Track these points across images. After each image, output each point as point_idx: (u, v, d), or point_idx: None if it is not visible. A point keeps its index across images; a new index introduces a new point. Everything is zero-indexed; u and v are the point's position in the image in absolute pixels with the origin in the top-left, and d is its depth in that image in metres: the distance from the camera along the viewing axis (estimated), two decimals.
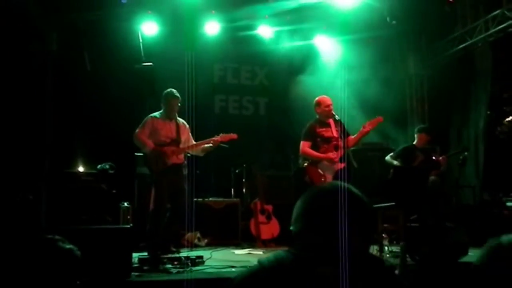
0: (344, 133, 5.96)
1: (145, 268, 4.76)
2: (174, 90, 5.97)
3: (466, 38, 8.06)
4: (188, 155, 6.21)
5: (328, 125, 6.00)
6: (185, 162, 6.10)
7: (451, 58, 8.58)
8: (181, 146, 5.88)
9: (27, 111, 7.35)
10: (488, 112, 7.92)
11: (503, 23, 7.24)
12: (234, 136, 6.03)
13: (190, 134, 6.05)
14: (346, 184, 1.62)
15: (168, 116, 5.91)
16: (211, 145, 5.93)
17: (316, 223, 1.52)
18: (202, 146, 5.97)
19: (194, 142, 6.04)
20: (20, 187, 6.50)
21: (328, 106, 5.98)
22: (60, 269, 1.48)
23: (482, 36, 7.69)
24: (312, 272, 1.42)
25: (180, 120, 6.02)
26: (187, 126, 6.05)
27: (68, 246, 1.53)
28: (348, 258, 1.44)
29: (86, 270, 1.57)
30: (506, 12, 7.16)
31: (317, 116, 6.10)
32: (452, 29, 8.40)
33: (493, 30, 7.44)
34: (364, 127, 5.88)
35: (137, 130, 5.78)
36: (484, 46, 7.84)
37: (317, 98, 6.14)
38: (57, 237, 1.54)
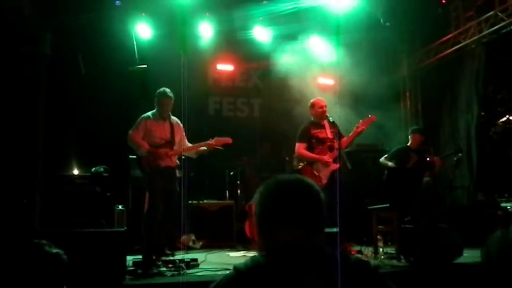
0: (339, 134, 5.98)
1: (139, 271, 4.73)
2: (167, 90, 5.91)
3: (459, 39, 8.10)
4: (182, 157, 6.20)
5: (323, 127, 6.03)
6: (178, 163, 6.08)
7: (444, 60, 8.61)
8: (176, 147, 5.84)
9: (21, 114, 7.32)
10: (482, 113, 7.95)
11: (496, 25, 7.28)
12: (228, 140, 6.01)
13: (184, 134, 6.02)
14: (294, 176, 1.65)
15: (162, 116, 5.85)
16: (205, 148, 5.90)
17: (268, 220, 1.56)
18: (197, 149, 5.95)
19: (188, 143, 6.02)
20: (14, 190, 6.47)
21: (322, 107, 6.03)
22: (47, 273, 1.47)
23: (475, 37, 7.73)
24: (289, 277, 1.42)
25: (174, 119, 5.96)
26: (181, 125, 6.01)
27: (55, 250, 1.52)
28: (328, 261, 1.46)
29: (74, 274, 1.57)
30: (499, 13, 7.20)
31: (312, 118, 6.13)
32: (445, 31, 8.43)
33: (487, 32, 7.48)
34: (357, 127, 5.93)
35: (130, 132, 5.72)
36: (477, 47, 7.87)
37: (311, 100, 6.17)
38: (43, 241, 1.53)
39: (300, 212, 1.53)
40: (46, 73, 7.69)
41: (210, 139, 5.92)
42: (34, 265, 1.46)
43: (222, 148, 6.74)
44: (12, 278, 1.43)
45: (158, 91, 5.95)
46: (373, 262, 5.21)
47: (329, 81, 9.03)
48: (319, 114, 6.03)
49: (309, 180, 1.63)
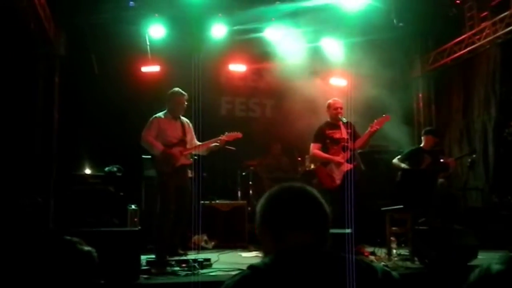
0: (353, 135, 5.97)
1: (153, 270, 4.75)
2: (179, 89, 5.97)
3: (474, 40, 8.03)
4: (195, 157, 6.22)
5: (338, 127, 6.04)
6: (191, 163, 6.11)
7: (458, 60, 8.54)
8: (188, 146, 5.88)
9: (35, 114, 7.39)
10: (499, 115, 7.87)
11: (511, 25, 7.21)
12: (239, 135, 6.04)
13: (193, 134, 6.06)
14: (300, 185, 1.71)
15: (173, 115, 5.89)
16: (217, 144, 5.93)
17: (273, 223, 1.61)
18: (208, 146, 5.98)
19: (197, 142, 6.04)
20: (29, 189, 6.53)
21: (336, 108, 6.05)
22: (79, 271, 1.48)
23: (490, 38, 7.65)
24: (299, 279, 1.44)
25: (184, 119, 6.01)
26: (191, 125, 6.06)
27: (86, 248, 1.53)
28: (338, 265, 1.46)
29: (102, 272, 1.58)
30: None
31: (328, 118, 6.16)
32: (459, 31, 8.36)
33: (501, 32, 7.40)
34: (371, 127, 5.91)
35: (144, 132, 5.77)
36: (492, 48, 7.80)
37: (329, 101, 6.19)
38: (75, 239, 1.54)
39: (306, 215, 1.59)
40: (60, 73, 7.77)
41: (221, 135, 5.95)
42: (67, 262, 1.47)
43: (234, 149, 6.76)
44: (45, 275, 1.43)
45: (170, 90, 5.99)
46: (386, 263, 5.19)
47: (342, 82, 9.00)
48: (334, 115, 6.05)
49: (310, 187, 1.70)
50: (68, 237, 1.53)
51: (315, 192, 1.68)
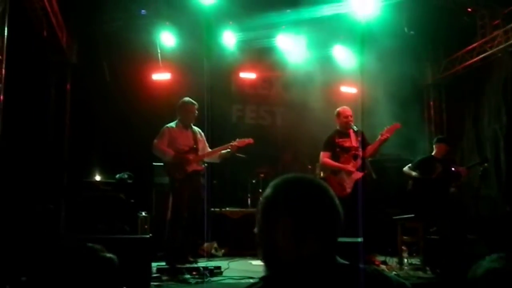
0: (364, 143, 5.96)
1: (164, 278, 4.76)
2: (190, 98, 6.02)
3: (485, 48, 8.00)
4: (205, 164, 6.24)
5: (348, 135, 6.02)
6: (204, 170, 6.13)
7: (470, 68, 8.50)
8: (200, 153, 5.91)
9: (47, 121, 7.45)
10: (509, 123, 7.81)
11: None
12: (250, 140, 6.05)
13: (206, 143, 6.09)
14: (308, 176, 1.49)
15: (185, 124, 5.95)
16: (228, 150, 5.95)
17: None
18: (219, 152, 6.00)
19: (209, 150, 6.07)
20: (40, 196, 6.57)
21: (347, 117, 6.03)
22: (101, 277, 1.48)
23: (502, 46, 7.62)
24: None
25: (196, 129, 6.05)
26: (203, 135, 6.10)
27: (108, 255, 1.54)
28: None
29: (123, 278, 1.58)
30: None
31: (337, 127, 6.14)
32: (471, 39, 8.33)
33: None
34: (381, 135, 5.90)
35: (155, 141, 5.82)
36: (504, 56, 7.76)
37: (338, 109, 6.17)
38: (97, 246, 1.54)
39: (316, 223, 1.38)
40: (72, 81, 7.83)
41: (232, 141, 5.96)
42: (89, 269, 1.48)
43: (244, 156, 6.76)
44: (68, 283, 1.44)
45: (181, 100, 6.04)
46: (398, 273, 5.15)
47: (352, 90, 8.99)
48: (344, 123, 6.03)
49: (322, 182, 1.49)
50: (90, 244, 1.53)
51: (329, 191, 1.45)
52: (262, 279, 1.42)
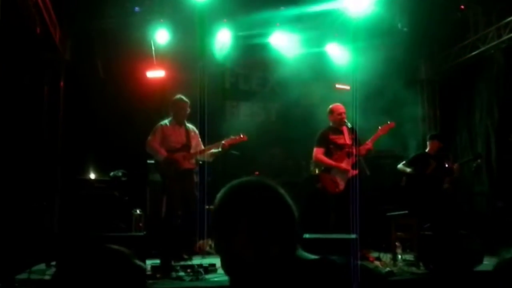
0: (357, 140, 5.97)
1: (158, 275, 4.76)
2: (182, 96, 6.04)
3: (478, 45, 8.03)
4: (200, 162, 6.24)
5: (341, 132, 6.04)
6: (197, 168, 6.14)
7: (463, 65, 8.54)
8: (192, 151, 5.93)
9: (40, 118, 7.42)
10: (503, 119, 7.85)
11: None
12: (244, 138, 6.07)
13: (199, 140, 6.10)
14: (256, 179, 1.50)
15: (177, 121, 5.98)
16: (219, 149, 5.96)
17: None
18: (211, 150, 6.00)
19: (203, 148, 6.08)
20: (34, 193, 6.55)
21: (340, 114, 6.04)
22: (131, 285, 1.41)
23: (494, 43, 7.65)
24: None
25: (190, 126, 6.08)
26: (197, 132, 6.13)
27: (139, 263, 1.46)
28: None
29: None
30: None
31: (330, 123, 6.14)
32: (464, 35, 8.36)
33: (506, 37, 7.40)
34: (376, 133, 5.93)
35: (149, 138, 5.89)
36: (496, 52, 7.79)
37: (330, 106, 6.18)
38: (127, 251, 1.46)
39: (271, 224, 1.36)
40: (65, 78, 7.80)
41: (226, 139, 5.98)
42: (122, 277, 1.40)
43: (238, 153, 6.77)
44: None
45: (173, 98, 6.08)
46: (392, 269, 5.17)
47: (346, 86, 9.00)
48: (337, 120, 6.04)
49: (270, 181, 1.47)
50: (121, 249, 1.46)
51: (273, 186, 1.44)
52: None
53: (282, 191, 1.44)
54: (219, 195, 1.46)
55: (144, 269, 1.49)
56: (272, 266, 1.34)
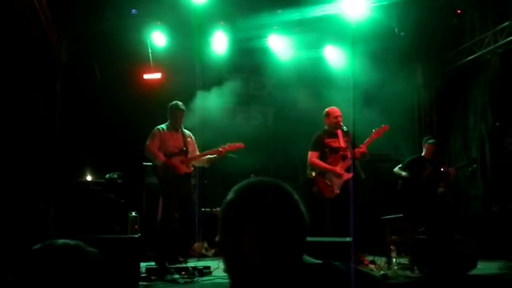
0: (352, 143, 5.98)
1: (152, 278, 4.77)
2: (179, 103, 6.07)
3: (474, 49, 8.06)
4: (196, 166, 6.26)
5: (336, 136, 6.04)
6: (194, 172, 6.17)
7: (459, 69, 8.57)
8: (189, 155, 5.95)
9: (36, 120, 7.41)
10: (497, 124, 7.88)
11: None
12: (240, 145, 6.09)
13: (196, 146, 6.13)
14: (271, 180, 1.45)
15: (174, 127, 6.01)
16: (216, 156, 5.99)
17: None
18: (208, 156, 6.03)
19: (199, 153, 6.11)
20: (29, 195, 6.54)
21: (336, 117, 6.04)
22: (89, 273, 1.46)
23: (490, 47, 7.68)
24: None
25: (186, 132, 6.11)
26: (193, 137, 6.15)
27: (91, 249, 1.52)
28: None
29: (111, 278, 1.56)
30: None
31: (325, 127, 6.14)
32: (460, 40, 8.39)
33: (502, 42, 7.43)
34: (370, 137, 5.94)
35: (147, 143, 5.89)
36: (492, 57, 7.83)
37: (326, 109, 6.19)
38: (79, 242, 1.52)
39: (279, 228, 1.33)
40: (62, 80, 7.79)
41: (222, 145, 5.99)
42: (77, 265, 1.45)
43: (235, 156, 6.78)
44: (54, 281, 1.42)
45: (170, 104, 6.08)
46: (386, 272, 5.18)
47: (342, 90, 9.00)
48: (333, 124, 6.04)
49: (284, 184, 1.44)
50: (67, 242, 1.50)
51: (285, 188, 1.42)
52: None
53: (296, 196, 1.41)
54: (230, 194, 1.42)
55: (98, 254, 1.52)
56: (278, 271, 1.32)
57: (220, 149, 5.98)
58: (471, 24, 8.20)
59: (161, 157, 5.79)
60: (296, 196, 1.41)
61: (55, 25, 7.29)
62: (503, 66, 7.68)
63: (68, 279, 1.42)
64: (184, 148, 5.96)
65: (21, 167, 6.63)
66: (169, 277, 4.86)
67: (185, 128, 6.14)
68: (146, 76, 8.18)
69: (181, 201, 5.77)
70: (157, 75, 8.21)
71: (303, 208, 1.40)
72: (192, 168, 6.08)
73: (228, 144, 6.03)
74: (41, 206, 6.45)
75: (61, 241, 1.49)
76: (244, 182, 1.44)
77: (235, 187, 1.43)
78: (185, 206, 5.82)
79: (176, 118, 6.00)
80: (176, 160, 5.84)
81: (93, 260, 1.50)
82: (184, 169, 5.87)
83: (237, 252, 1.35)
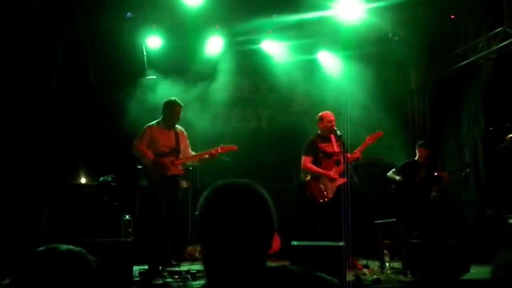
0: (345, 148, 6.00)
1: (145, 281, 4.75)
2: (177, 99, 6.00)
3: (468, 54, 8.10)
4: (190, 168, 6.24)
5: (330, 140, 6.05)
6: (184, 172, 6.12)
7: (453, 74, 8.61)
8: (181, 156, 5.88)
9: (31, 121, 7.39)
10: (490, 128, 7.93)
11: (505, 40, 7.27)
12: (234, 147, 6.06)
13: (188, 142, 6.06)
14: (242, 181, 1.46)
15: (167, 124, 5.91)
16: (207, 156, 5.94)
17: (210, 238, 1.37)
18: (201, 157, 5.99)
19: (191, 151, 6.06)
20: (22, 198, 6.52)
21: (330, 121, 6.06)
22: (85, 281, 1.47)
23: (484, 53, 7.72)
24: None
25: (178, 127, 6.02)
26: (185, 133, 6.07)
27: (91, 258, 1.53)
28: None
29: (104, 282, 1.57)
30: (508, 29, 7.19)
31: (319, 131, 6.16)
32: (454, 45, 8.43)
33: (495, 47, 7.47)
34: (364, 142, 5.97)
35: (135, 141, 5.79)
36: (486, 63, 7.87)
37: (320, 113, 6.20)
38: (81, 249, 1.52)
39: (234, 238, 1.34)
40: (56, 82, 7.77)
41: (216, 147, 5.95)
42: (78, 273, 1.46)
43: (228, 159, 6.78)
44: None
45: (168, 100, 6.01)
46: (379, 276, 5.19)
47: (336, 94, 9.02)
48: (327, 128, 6.05)
49: (255, 185, 1.44)
50: (71, 248, 1.51)
51: (257, 198, 1.41)
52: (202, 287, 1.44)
53: (266, 197, 1.41)
54: (201, 198, 1.44)
55: (98, 263, 1.53)
56: (240, 275, 1.34)
57: (213, 151, 5.92)
58: (464, 29, 8.24)
59: (149, 155, 5.67)
60: (267, 197, 1.41)
61: (50, 28, 7.28)
62: (496, 71, 7.72)
63: (69, 285, 1.42)
64: (176, 148, 5.86)
65: (15, 169, 6.62)
66: (161, 280, 4.85)
67: (178, 125, 6.07)
68: (141, 79, 8.17)
69: (167, 202, 5.70)
70: (152, 78, 8.20)
71: (271, 209, 1.40)
72: (182, 170, 6.02)
73: (221, 145, 5.98)
74: (34, 209, 6.43)
75: (65, 246, 1.49)
76: (214, 186, 1.45)
77: (204, 193, 1.45)
78: (171, 208, 5.74)
79: (173, 115, 5.88)
80: (166, 160, 5.74)
81: (95, 269, 1.51)
82: (173, 170, 5.78)
83: (207, 254, 1.38)
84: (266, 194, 1.42)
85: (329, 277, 1.44)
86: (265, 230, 1.38)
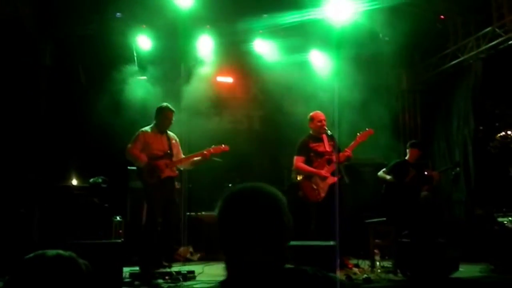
0: (337, 147, 6.01)
1: (136, 283, 4.75)
2: (168, 104, 5.99)
3: (457, 54, 8.15)
4: (181, 169, 6.23)
5: (321, 140, 6.07)
6: (178, 174, 6.12)
7: (443, 74, 8.66)
8: (174, 159, 5.88)
9: (20, 124, 7.35)
10: (480, 128, 7.99)
11: (494, 40, 7.33)
12: (225, 148, 6.05)
13: (180, 148, 6.07)
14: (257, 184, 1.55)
15: (159, 129, 5.90)
16: (201, 158, 5.94)
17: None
18: (193, 160, 5.98)
19: (183, 157, 6.06)
20: (12, 200, 6.48)
21: (321, 121, 6.07)
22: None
23: (473, 53, 7.77)
24: None
25: (171, 134, 6.02)
26: (177, 140, 6.07)
27: (82, 261, 1.52)
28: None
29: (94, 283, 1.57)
30: (497, 29, 7.25)
31: (310, 131, 6.17)
32: (444, 45, 8.48)
33: (484, 47, 7.53)
34: (355, 140, 5.98)
35: (129, 146, 5.76)
36: (475, 62, 7.93)
37: (310, 113, 6.21)
38: (72, 253, 1.52)
39: (255, 230, 1.44)
40: (46, 84, 7.74)
41: (207, 148, 5.94)
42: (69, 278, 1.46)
43: (221, 160, 6.78)
44: None
45: (161, 105, 5.99)
46: (369, 276, 5.21)
47: (328, 94, 9.05)
48: (318, 128, 6.07)
49: (270, 189, 1.53)
50: (61, 253, 1.50)
51: (271, 197, 1.50)
52: (220, 282, 1.48)
53: (280, 203, 1.50)
54: (220, 202, 1.53)
55: (89, 266, 1.53)
56: (257, 271, 1.42)
57: (205, 152, 5.91)
58: (454, 30, 8.29)
59: (143, 158, 5.67)
60: (282, 200, 1.51)
61: (39, 28, 7.24)
62: (486, 71, 7.78)
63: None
64: (169, 151, 5.87)
65: (5, 171, 6.58)
66: (152, 282, 4.84)
67: (170, 132, 6.10)
68: (132, 80, 8.15)
69: (164, 204, 5.71)
70: (143, 79, 8.19)
71: (285, 212, 1.49)
72: (177, 172, 6.03)
73: (213, 146, 5.97)
74: (23, 211, 6.39)
75: (54, 251, 1.48)
76: (232, 189, 1.54)
77: (223, 196, 1.53)
78: (169, 210, 5.75)
79: (165, 120, 5.89)
80: (160, 163, 5.75)
81: (86, 272, 1.50)
82: (168, 172, 5.79)
83: (227, 253, 1.48)
84: (280, 195, 1.52)
85: (340, 279, 1.51)
86: (281, 230, 1.47)
